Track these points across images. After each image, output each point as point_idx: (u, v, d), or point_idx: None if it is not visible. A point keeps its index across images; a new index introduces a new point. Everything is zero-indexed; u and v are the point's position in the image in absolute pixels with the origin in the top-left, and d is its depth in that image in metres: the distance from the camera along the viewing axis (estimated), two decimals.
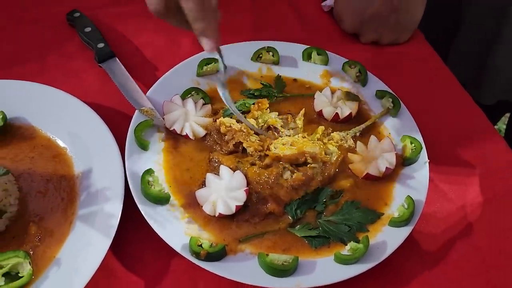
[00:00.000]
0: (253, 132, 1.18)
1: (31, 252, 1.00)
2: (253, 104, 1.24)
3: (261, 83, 1.31)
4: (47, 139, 1.19)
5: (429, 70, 1.51)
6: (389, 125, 1.26)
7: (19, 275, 0.96)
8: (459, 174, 1.25)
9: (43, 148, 1.18)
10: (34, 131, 1.20)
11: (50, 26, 1.49)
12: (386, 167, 1.13)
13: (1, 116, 1.18)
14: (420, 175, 1.16)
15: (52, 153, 1.17)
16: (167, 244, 1.00)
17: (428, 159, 1.18)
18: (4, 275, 0.95)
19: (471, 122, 1.38)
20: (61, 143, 1.18)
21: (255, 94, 1.29)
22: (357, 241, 1.03)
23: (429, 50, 1.57)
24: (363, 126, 1.24)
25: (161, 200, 1.05)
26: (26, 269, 0.96)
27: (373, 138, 1.20)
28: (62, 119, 1.20)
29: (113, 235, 0.99)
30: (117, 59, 1.36)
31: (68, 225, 1.05)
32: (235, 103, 1.23)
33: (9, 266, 0.95)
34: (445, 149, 1.29)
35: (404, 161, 1.18)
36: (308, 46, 1.40)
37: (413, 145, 1.19)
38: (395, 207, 1.11)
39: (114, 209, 1.03)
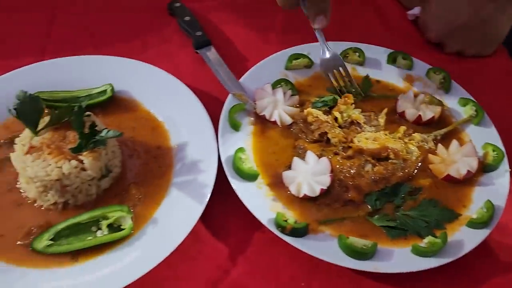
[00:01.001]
0: (337, 124, 1.25)
1: (132, 210, 1.10)
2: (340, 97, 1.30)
3: (348, 81, 1.37)
4: (147, 112, 1.30)
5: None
6: (471, 132, 1.29)
7: (121, 227, 1.06)
8: None
9: (143, 120, 1.29)
10: (136, 104, 1.32)
11: (152, 13, 1.63)
12: (468, 171, 1.16)
13: (110, 88, 1.31)
14: (500, 183, 1.18)
15: (151, 125, 1.28)
16: (250, 218, 1.07)
17: (510, 169, 1.19)
18: (107, 226, 1.06)
19: None
20: (159, 117, 1.29)
21: (341, 90, 1.35)
22: (435, 237, 1.06)
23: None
24: (444, 130, 1.28)
25: (250, 176, 1.13)
26: (127, 223, 1.06)
27: (454, 142, 1.23)
28: (161, 95, 1.31)
29: (206, 203, 1.08)
30: (213, 47, 1.46)
31: (164, 190, 1.14)
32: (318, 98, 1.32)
33: (114, 218, 1.06)
34: None
35: (484, 167, 1.21)
36: (394, 50, 1.45)
37: (495, 152, 1.21)
38: (473, 210, 1.13)
39: (208, 180, 1.12)
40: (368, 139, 1.21)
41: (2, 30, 1.54)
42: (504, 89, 1.50)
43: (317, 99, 1.32)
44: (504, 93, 1.48)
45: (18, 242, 1.04)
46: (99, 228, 1.05)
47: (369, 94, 1.37)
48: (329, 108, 1.30)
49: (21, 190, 1.12)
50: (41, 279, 0.99)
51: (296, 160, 1.16)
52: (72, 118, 1.08)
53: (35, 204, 1.10)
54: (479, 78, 1.51)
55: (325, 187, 1.11)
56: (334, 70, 1.34)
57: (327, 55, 1.33)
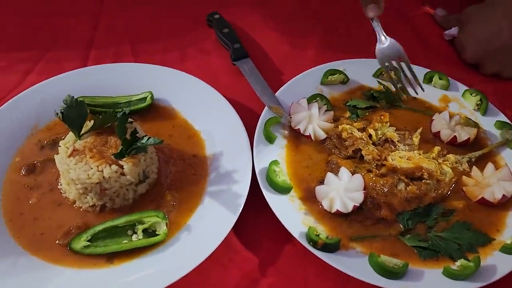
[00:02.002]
0: (371, 142, 1.26)
1: (167, 216, 1.12)
2: (372, 114, 1.31)
3: (383, 87, 1.38)
4: (185, 121, 1.34)
5: None
6: (507, 156, 1.28)
7: (156, 232, 1.09)
8: None
9: (180, 128, 1.32)
10: (174, 113, 1.35)
11: (191, 25, 1.67)
12: (503, 195, 1.15)
13: (150, 95, 1.35)
14: None
15: (188, 133, 1.31)
16: (281, 230, 1.09)
17: None
18: (143, 230, 1.08)
19: None
20: (196, 126, 1.32)
21: (374, 95, 1.37)
22: (467, 260, 1.05)
23: None
24: (479, 152, 1.27)
25: (284, 189, 1.15)
26: (162, 229, 1.09)
27: (490, 166, 1.22)
28: (199, 105, 1.34)
29: (239, 213, 1.10)
30: (250, 59, 1.49)
31: (198, 198, 1.17)
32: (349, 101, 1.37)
33: (149, 223, 1.09)
34: None
35: None
36: (430, 70, 1.45)
37: None
38: (507, 235, 1.12)
39: (242, 190, 1.13)
40: (402, 158, 1.21)
41: (48, 35, 1.60)
42: None
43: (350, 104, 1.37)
44: None
45: (57, 241, 1.08)
46: (135, 232, 1.08)
47: (406, 107, 1.38)
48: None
49: (61, 191, 1.16)
50: (76, 278, 1.02)
51: (329, 175, 1.17)
52: (115, 124, 1.12)
53: (74, 205, 1.14)
54: None
55: (358, 204, 1.12)
56: (392, 61, 1.33)
57: (385, 43, 1.31)
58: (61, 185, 1.17)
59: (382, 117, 1.29)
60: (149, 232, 1.09)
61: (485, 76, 1.57)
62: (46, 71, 1.45)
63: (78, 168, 1.08)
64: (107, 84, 1.37)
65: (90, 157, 1.09)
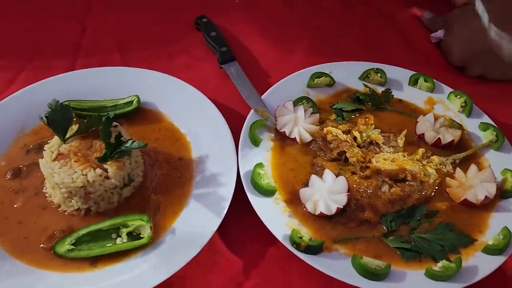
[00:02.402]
0: (356, 144, 1.27)
1: (151, 219, 1.13)
2: (357, 117, 1.32)
3: (368, 90, 1.40)
4: (171, 124, 1.34)
5: None
6: (490, 157, 1.29)
7: (140, 236, 1.09)
8: None
9: (167, 131, 1.33)
10: (161, 116, 1.36)
11: (180, 28, 1.68)
12: (485, 196, 1.15)
13: (136, 99, 1.35)
14: None
15: (174, 136, 1.32)
16: (266, 232, 1.09)
17: None
18: (127, 234, 1.09)
19: None
20: (182, 129, 1.33)
21: (360, 97, 1.39)
22: (449, 261, 1.06)
23: None
24: (463, 154, 1.28)
25: (268, 192, 1.16)
26: (146, 232, 1.09)
27: (473, 167, 1.23)
28: (185, 108, 1.35)
29: (224, 215, 1.10)
30: (237, 62, 1.50)
31: (183, 201, 1.17)
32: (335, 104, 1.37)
33: (133, 227, 1.09)
34: None
35: (503, 193, 1.20)
36: (416, 72, 1.46)
37: None
38: (489, 235, 1.13)
39: (226, 193, 1.14)
40: (386, 160, 1.22)
41: (36, 39, 1.60)
42: None
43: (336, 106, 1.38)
44: None
45: (41, 245, 1.08)
46: (119, 236, 1.09)
47: (392, 109, 1.40)
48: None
49: (46, 195, 1.17)
50: (60, 282, 1.02)
51: (313, 178, 1.18)
52: (100, 128, 1.12)
53: (59, 209, 1.15)
54: (502, 103, 1.50)
55: (341, 206, 1.12)
56: None
57: None
58: (46, 189, 1.17)
59: (367, 119, 1.30)
60: (134, 235, 1.10)
61: (470, 78, 1.58)
62: (33, 75, 1.45)
63: (62, 172, 1.09)
64: (94, 88, 1.38)
65: (75, 161, 1.10)
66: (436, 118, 1.35)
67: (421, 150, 1.27)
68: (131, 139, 1.13)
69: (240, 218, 1.17)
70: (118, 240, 1.08)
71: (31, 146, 1.26)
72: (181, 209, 1.16)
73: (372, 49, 1.66)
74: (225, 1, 1.79)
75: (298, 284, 1.09)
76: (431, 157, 1.27)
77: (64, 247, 1.06)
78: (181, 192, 1.19)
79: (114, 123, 1.16)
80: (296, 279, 1.10)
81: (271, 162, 1.25)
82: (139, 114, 1.36)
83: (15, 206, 1.15)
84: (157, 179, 1.22)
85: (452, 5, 1.68)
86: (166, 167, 1.25)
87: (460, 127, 1.32)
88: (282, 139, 1.30)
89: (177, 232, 1.11)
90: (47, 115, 1.12)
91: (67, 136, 1.14)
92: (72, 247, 1.06)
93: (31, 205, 1.15)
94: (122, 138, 1.12)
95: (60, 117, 1.13)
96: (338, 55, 1.56)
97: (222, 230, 1.15)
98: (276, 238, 1.08)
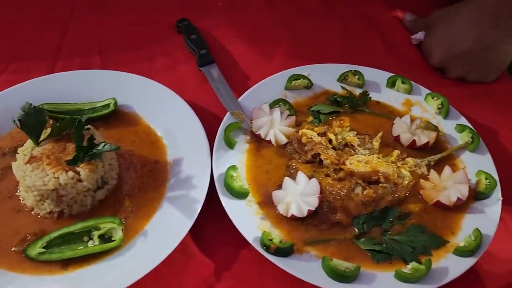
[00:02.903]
0: (330, 146, 1.27)
1: (124, 221, 1.13)
2: (333, 119, 1.33)
3: (346, 92, 1.40)
4: (148, 127, 1.35)
5: None
6: (465, 159, 1.29)
7: (112, 238, 1.10)
8: None
9: (143, 134, 1.33)
10: (137, 119, 1.36)
11: (161, 30, 1.68)
12: (458, 198, 1.16)
13: (113, 102, 1.36)
14: (491, 211, 1.17)
15: (150, 139, 1.32)
16: (239, 235, 1.09)
17: (502, 197, 1.19)
18: (99, 236, 1.09)
19: None
20: (159, 132, 1.33)
21: (338, 99, 1.39)
22: (420, 263, 1.07)
23: None
24: (438, 156, 1.28)
25: (240, 194, 1.16)
26: (118, 235, 1.09)
27: (447, 169, 1.23)
28: (162, 111, 1.35)
29: (195, 218, 1.10)
30: (216, 65, 1.50)
31: (156, 203, 1.18)
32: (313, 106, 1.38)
33: (105, 229, 1.09)
34: None
35: (476, 195, 1.20)
36: (394, 74, 1.47)
37: (487, 181, 1.21)
38: (461, 237, 1.13)
39: (199, 196, 1.14)
40: (360, 162, 1.23)
41: (16, 42, 1.61)
42: (505, 116, 1.49)
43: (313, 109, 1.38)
44: (505, 120, 1.47)
45: (13, 248, 1.08)
46: (91, 238, 1.09)
47: (369, 111, 1.40)
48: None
49: (20, 198, 1.17)
50: (31, 285, 1.03)
51: (286, 180, 1.18)
52: (72, 131, 1.12)
53: (32, 212, 1.15)
54: (480, 104, 1.51)
55: (313, 208, 1.13)
56: None
57: None
58: (20, 192, 1.17)
59: (341, 121, 1.31)
60: (106, 238, 1.10)
61: (450, 80, 1.58)
62: (12, 78, 1.45)
63: (34, 175, 1.09)
64: (71, 91, 1.38)
65: (47, 164, 1.10)
66: (413, 120, 1.35)
67: (396, 152, 1.27)
68: (103, 142, 1.14)
69: (213, 220, 1.18)
70: (90, 243, 1.08)
71: (7, 150, 1.26)
72: (154, 212, 1.16)
73: (353, 51, 1.67)
74: (207, 4, 1.79)
75: (270, 286, 1.10)
76: (406, 159, 1.27)
77: (35, 250, 1.06)
78: (155, 194, 1.20)
79: (87, 126, 1.16)
80: (268, 281, 1.10)
81: (246, 164, 1.25)
82: (117, 117, 1.36)
83: None
84: (132, 181, 1.23)
85: (437, 6, 1.68)
86: (141, 170, 1.25)
87: (435, 129, 1.33)
88: (258, 141, 1.31)
89: (149, 235, 1.11)
90: (20, 118, 1.13)
91: (41, 139, 1.15)
92: (44, 250, 1.06)
93: (5, 208, 1.15)
94: (94, 141, 1.12)
95: (33, 120, 1.14)
96: (319, 57, 1.56)
97: (195, 232, 1.15)
98: (249, 242, 1.08)
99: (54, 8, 1.73)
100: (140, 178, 1.23)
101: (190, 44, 1.57)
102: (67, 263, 1.06)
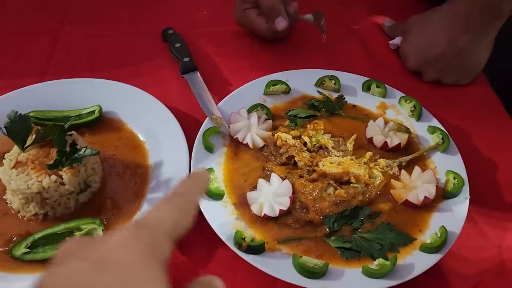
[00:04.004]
0: (305, 148, 1.32)
1: (105, 222, 1.19)
2: (308, 123, 1.38)
3: (323, 96, 1.46)
4: (131, 132, 1.41)
5: (488, 113, 1.55)
6: (436, 159, 1.34)
7: None
8: (500, 216, 1.28)
9: (126, 139, 1.39)
10: (121, 124, 1.42)
11: (147, 39, 1.74)
12: (425, 197, 1.20)
13: (98, 109, 1.42)
14: (458, 209, 1.21)
15: (133, 144, 1.38)
16: (215, 234, 1.15)
17: (470, 196, 1.23)
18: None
19: None
20: (141, 137, 1.39)
21: (315, 104, 1.45)
22: (386, 259, 1.11)
23: (491, 95, 1.61)
24: (409, 156, 1.33)
25: (216, 195, 1.21)
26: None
27: (417, 169, 1.28)
28: (145, 117, 1.41)
29: None
30: (198, 72, 1.56)
31: (137, 205, 1.23)
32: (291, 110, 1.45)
33: (86, 230, 1.15)
34: (489, 190, 1.33)
35: (445, 194, 1.25)
36: (369, 79, 1.52)
37: (455, 180, 1.25)
38: (429, 235, 1.17)
39: None
40: (333, 163, 1.27)
41: (7, 53, 1.68)
42: (477, 117, 1.53)
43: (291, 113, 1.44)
44: (477, 121, 1.51)
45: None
46: None
47: (345, 115, 1.45)
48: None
49: (7, 201, 1.23)
50: (15, 283, 1.08)
51: (261, 182, 1.23)
52: (55, 136, 1.18)
53: (19, 215, 1.21)
54: (455, 106, 1.55)
55: (284, 208, 1.18)
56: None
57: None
58: (7, 195, 1.23)
59: (315, 124, 1.36)
60: None
61: (427, 83, 1.63)
62: (4, 87, 1.51)
63: (19, 179, 1.15)
64: (59, 99, 1.44)
65: (31, 168, 1.16)
66: (386, 123, 1.40)
67: (368, 154, 1.32)
68: (85, 147, 1.20)
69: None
70: None
71: None
72: (135, 213, 1.21)
73: (333, 57, 1.72)
74: (193, 14, 1.86)
75: (243, 283, 1.14)
76: (378, 160, 1.32)
77: (20, 250, 1.12)
78: (136, 197, 1.25)
79: (70, 132, 1.22)
80: (242, 279, 1.15)
81: (223, 167, 1.31)
82: (102, 123, 1.42)
83: None
84: (115, 185, 1.29)
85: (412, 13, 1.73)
86: (123, 173, 1.31)
87: (407, 130, 1.37)
88: (236, 145, 1.36)
89: None
90: (5, 125, 1.19)
91: (26, 145, 1.21)
92: (28, 250, 1.12)
93: None
94: (77, 146, 1.18)
95: (19, 127, 1.20)
96: (300, 63, 1.62)
97: None
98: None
99: (45, 21, 1.79)
100: (123, 181, 1.29)
101: (174, 52, 1.64)
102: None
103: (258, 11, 1.61)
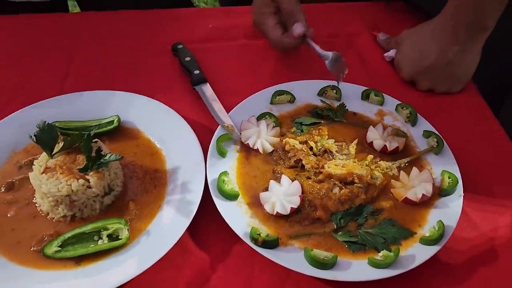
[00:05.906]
0: (311, 152, 1.43)
1: (129, 223, 1.28)
2: (313, 129, 1.49)
3: (326, 105, 1.57)
4: (148, 140, 1.50)
5: (478, 119, 1.67)
6: (431, 161, 1.45)
7: (119, 237, 1.24)
8: (491, 211, 1.39)
9: (144, 146, 1.49)
10: (138, 133, 1.52)
11: (158, 54, 1.85)
12: (423, 194, 1.31)
13: (117, 119, 1.52)
14: (454, 205, 1.32)
15: (150, 151, 1.48)
16: (231, 232, 1.24)
17: (464, 193, 1.34)
18: (107, 236, 1.24)
19: None
20: (158, 144, 1.49)
21: (319, 112, 1.56)
22: (390, 251, 1.21)
23: (480, 102, 1.73)
24: (407, 159, 1.44)
25: (231, 196, 1.31)
26: (124, 234, 1.24)
27: (414, 170, 1.39)
28: (161, 125, 1.51)
29: (191, 218, 1.25)
30: (208, 84, 1.67)
31: (157, 207, 1.33)
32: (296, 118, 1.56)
33: (112, 229, 1.24)
34: (481, 188, 1.44)
35: (441, 192, 1.36)
36: (367, 88, 1.64)
37: (450, 179, 1.36)
38: (427, 229, 1.28)
39: (195, 199, 1.29)
40: (338, 165, 1.38)
41: (28, 68, 1.77)
42: (468, 122, 1.65)
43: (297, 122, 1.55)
44: (468, 125, 1.64)
45: (32, 248, 1.23)
46: (100, 238, 1.23)
47: (347, 121, 1.57)
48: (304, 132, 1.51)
49: (36, 205, 1.32)
50: (48, 279, 1.17)
51: (272, 183, 1.33)
52: (82, 143, 1.28)
53: (48, 217, 1.29)
54: (446, 113, 1.67)
55: (295, 206, 1.28)
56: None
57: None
58: (36, 199, 1.32)
59: (320, 130, 1.47)
60: (113, 237, 1.24)
61: (420, 92, 1.75)
62: (27, 98, 1.59)
63: (49, 183, 1.24)
64: (79, 110, 1.54)
65: (60, 173, 1.25)
66: (385, 128, 1.51)
67: (369, 157, 1.43)
68: (110, 153, 1.29)
69: (208, 220, 1.32)
70: (100, 242, 1.23)
71: (23, 163, 1.41)
72: (155, 214, 1.31)
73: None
74: (200, 29, 1.97)
75: (259, 276, 1.24)
76: (379, 162, 1.43)
77: (51, 249, 1.20)
78: (155, 199, 1.35)
79: (95, 140, 1.32)
80: (257, 271, 1.24)
81: (236, 170, 1.41)
82: (120, 131, 1.52)
83: (8, 215, 1.29)
84: (135, 188, 1.38)
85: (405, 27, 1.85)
86: (143, 178, 1.40)
87: (404, 135, 1.49)
88: (247, 150, 1.47)
89: (151, 234, 1.26)
90: (35, 134, 1.28)
91: (54, 152, 1.30)
92: (59, 248, 1.21)
93: (23, 214, 1.30)
94: (102, 152, 1.28)
95: (47, 136, 1.29)
96: (304, 74, 1.73)
97: (192, 231, 1.29)
98: (239, 236, 1.23)
99: (59, 39, 1.90)
100: (143, 185, 1.38)
101: (185, 65, 1.74)
102: (80, 260, 1.20)
103: (276, 20, 1.70)
